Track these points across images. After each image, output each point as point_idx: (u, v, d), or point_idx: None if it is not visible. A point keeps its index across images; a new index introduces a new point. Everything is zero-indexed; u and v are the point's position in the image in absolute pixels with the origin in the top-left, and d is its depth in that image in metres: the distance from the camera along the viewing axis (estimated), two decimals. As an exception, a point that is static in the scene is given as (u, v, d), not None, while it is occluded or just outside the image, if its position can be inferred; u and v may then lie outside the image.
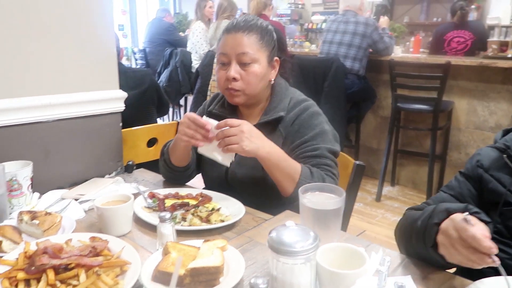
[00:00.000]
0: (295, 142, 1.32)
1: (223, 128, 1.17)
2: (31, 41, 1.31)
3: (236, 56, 1.29)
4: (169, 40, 5.15)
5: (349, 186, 1.49)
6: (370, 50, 3.52)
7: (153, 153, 2.09)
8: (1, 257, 0.92)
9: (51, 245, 0.89)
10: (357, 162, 1.50)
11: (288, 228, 0.76)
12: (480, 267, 0.79)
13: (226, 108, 1.44)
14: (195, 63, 4.46)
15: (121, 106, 1.56)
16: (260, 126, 1.32)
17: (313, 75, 3.35)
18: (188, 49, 4.60)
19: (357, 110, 3.68)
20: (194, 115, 1.23)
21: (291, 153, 1.31)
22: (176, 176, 1.46)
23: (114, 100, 1.53)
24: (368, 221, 3.12)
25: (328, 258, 0.79)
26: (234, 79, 1.29)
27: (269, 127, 1.34)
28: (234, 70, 1.28)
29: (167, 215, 1.00)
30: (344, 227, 1.46)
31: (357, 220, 3.09)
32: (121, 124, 1.60)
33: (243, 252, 0.97)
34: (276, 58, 1.37)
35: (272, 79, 1.38)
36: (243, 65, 1.29)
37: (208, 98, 1.61)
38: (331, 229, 0.91)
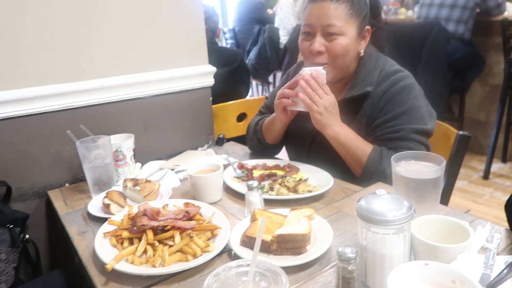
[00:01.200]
0: (377, 121, 1.20)
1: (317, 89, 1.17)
2: (130, 25, 1.40)
3: (321, 28, 1.19)
4: (258, 18, 5.16)
5: (451, 159, 1.35)
6: (477, 10, 3.12)
7: (243, 128, 2.13)
8: (109, 218, 1.02)
9: (150, 209, 0.96)
10: (461, 132, 1.34)
11: (379, 197, 0.70)
12: None
13: None
14: (283, 39, 4.42)
15: (210, 81, 1.61)
16: (345, 102, 1.23)
17: (409, 43, 3.08)
18: (275, 25, 4.57)
19: (461, 79, 3.31)
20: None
21: (372, 133, 1.21)
22: (267, 152, 1.48)
23: (204, 75, 1.58)
24: (474, 200, 2.83)
25: (424, 230, 0.73)
26: (319, 52, 1.20)
27: (353, 105, 1.23)
28: (319, 43, 1.19)
29: (255, 183, 1.01)
30: (444, 204, 1.34)
31: (460, 198, 2.84)
32: (211, 98, 1.65)
33: (331, 222, 0.94)
34: (367, 27, 1.24)
35: (362, 51, 1.25)
36: (328, 36, 1.19)
37: (292, 67, 1.55)
38: (428, 201, 0.83)
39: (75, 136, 1.23)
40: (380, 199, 0.70)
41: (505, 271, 0.65)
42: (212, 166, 1.18)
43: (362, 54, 1.26)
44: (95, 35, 1.35)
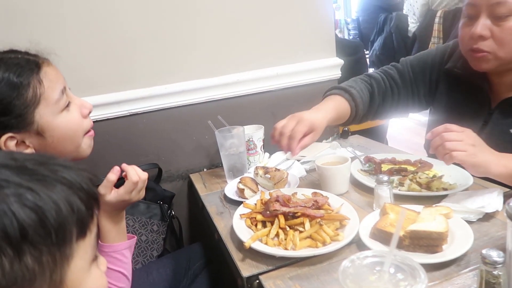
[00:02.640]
0: None
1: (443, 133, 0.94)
2: (262, 21, 1.49)
3: (487, 7, 1.00)
4: (384, 5, 4.91)
5: None
6: None
7: (367, 122, 2.09)
8: (244, 201, 1.11)
9: (282, 195, 1.02)
10: None
11: (535, 199, 0.64)
12: None
13: (469, 70, 1.12)
14: (412, 27, 4.14)
15: (337, 73, 1.62)
16: None
17: None
18: (404, 11, 4.29)
19: None
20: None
21: None
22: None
23: (332, 67, 1.60)
24: None
25: None
26: (481, 37, 1.02)
27: None
28: (482, 25, 1.01)
29: (385, 177, 1.00)
30: None
31: None
32: (337, 91, 1.65)
33: (470, 224, 0.88)
34: None
35: None
36: (496, 19, 1.00)
37: (441, 45, 1.30)
38: None
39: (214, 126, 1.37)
40: (536, 201, 0.63)
41: None
42: (339, 158, 1.20)
43: None
44: (231, 32, 1.47)
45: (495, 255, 0.65)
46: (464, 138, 0.92)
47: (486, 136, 1.05)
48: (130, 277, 0.92)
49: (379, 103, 1.31)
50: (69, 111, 0.86)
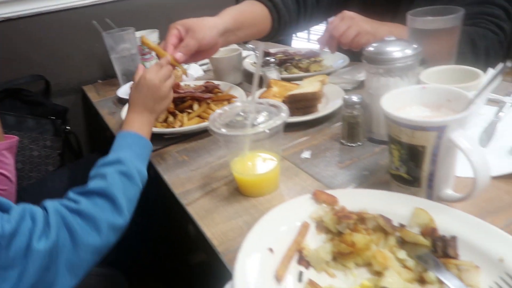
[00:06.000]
0: None
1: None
2: None
3: None
4: None
5: None
6: None
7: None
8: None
9: (170, 83, 1.01)
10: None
11: (387, 41, 0.69)
12: None
13: None
14: None
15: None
16: None
17: None
18: None
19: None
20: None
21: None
22: None
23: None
24: None
25: (435, 80, 0.71)
26: None
27: None
28: None
29: (272, 59, 1.03)
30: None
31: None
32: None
33: (346, 91, 0.94)
34: None
35: None
36: None
37: None
38: (443, 53, 0.80)
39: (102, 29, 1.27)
40: (387, 43, 0.68)
41: None
42: (231, 50, 1.20)
43: None
44: None
45: (355, 98, 0.71)
46: (350, 24, 0.90)
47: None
48: (13, 179, 0.86)
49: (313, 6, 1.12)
50: None
